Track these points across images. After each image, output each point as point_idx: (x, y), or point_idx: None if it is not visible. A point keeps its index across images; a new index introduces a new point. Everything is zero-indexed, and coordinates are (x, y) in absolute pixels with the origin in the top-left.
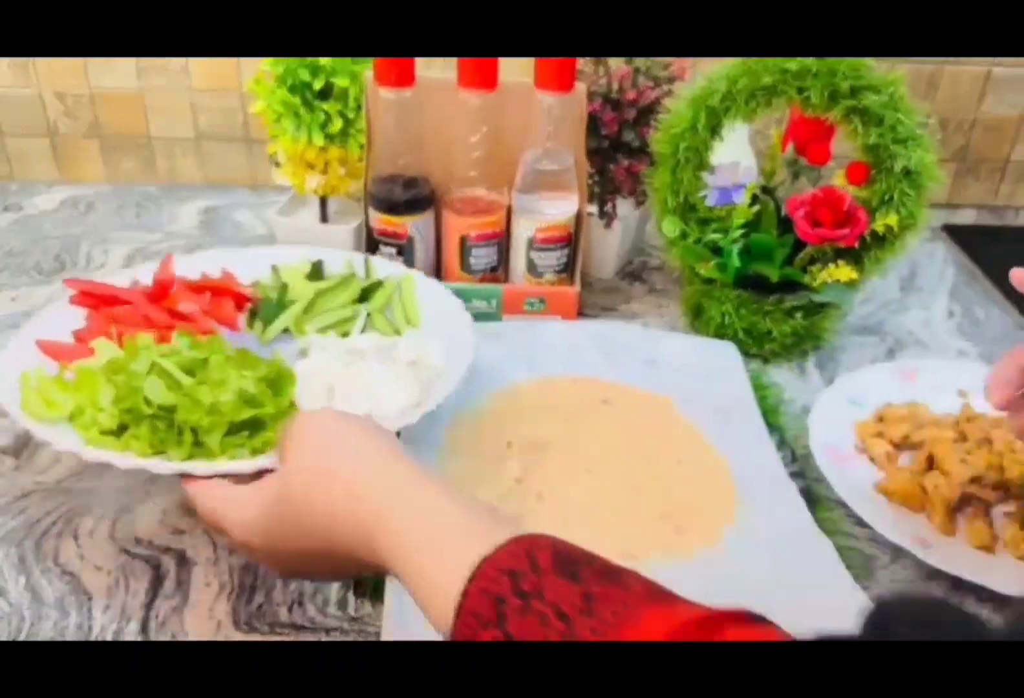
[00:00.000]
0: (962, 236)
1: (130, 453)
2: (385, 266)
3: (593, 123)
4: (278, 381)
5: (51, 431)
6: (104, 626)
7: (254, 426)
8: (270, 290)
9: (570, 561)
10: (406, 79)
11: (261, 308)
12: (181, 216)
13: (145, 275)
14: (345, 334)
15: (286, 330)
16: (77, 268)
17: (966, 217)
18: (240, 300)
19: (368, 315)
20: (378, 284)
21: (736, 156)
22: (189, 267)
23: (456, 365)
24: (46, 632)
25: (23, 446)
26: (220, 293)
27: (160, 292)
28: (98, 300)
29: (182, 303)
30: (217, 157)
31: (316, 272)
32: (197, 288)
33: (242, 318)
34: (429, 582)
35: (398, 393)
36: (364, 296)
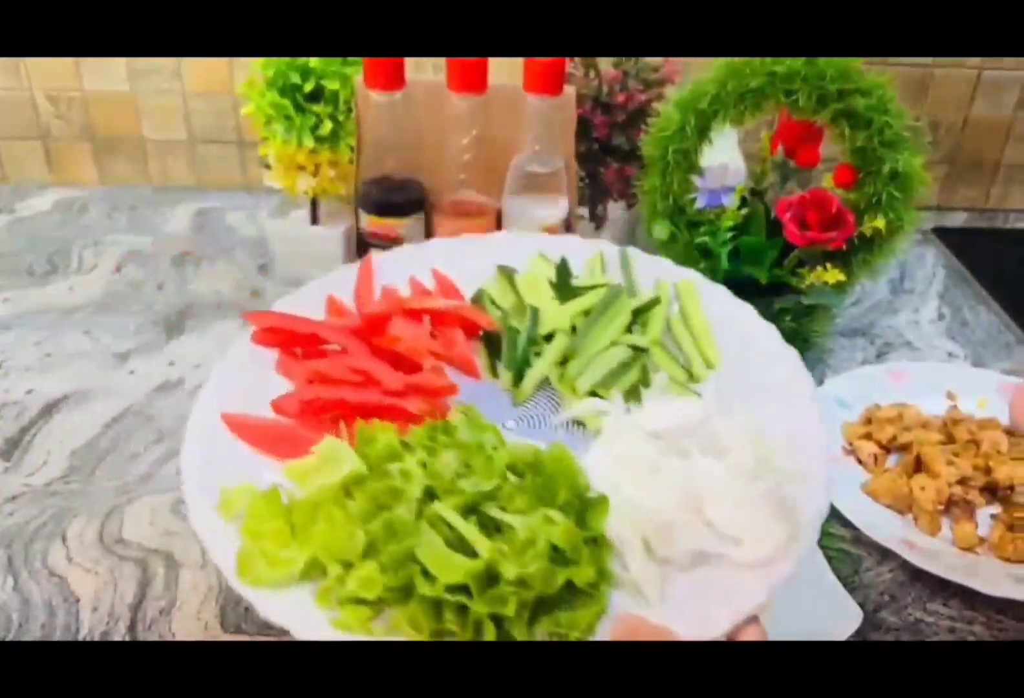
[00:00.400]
0: (952, 239)
1: (400, 634)
2: (645, 263)
3: (583, 126)
4: (584, 509)
5: (276, 602)
6: (92, 627)
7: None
8: (509, 314)
9: None
10: (396, 82)
11: (503, 341)
12: (173, 218)
13: (336, 285)
14: (633, 393)
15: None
16: (69, 270)
17: (956, 220)
18: (471, 328)
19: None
20: (655, 302)
21: (725, 159)
22: (388, 269)
23: (807, 450)
24: (34, 633)
25: (12, 447)
26: (445, 320)
27: (374, 327)
28: (289, 338)
29: (404, 342)
30: (209, 160)
31: (563, 277)
32: (413, 313)
33: (480, 356)
34: None
35: (760, 522)
36: (634, 317)
